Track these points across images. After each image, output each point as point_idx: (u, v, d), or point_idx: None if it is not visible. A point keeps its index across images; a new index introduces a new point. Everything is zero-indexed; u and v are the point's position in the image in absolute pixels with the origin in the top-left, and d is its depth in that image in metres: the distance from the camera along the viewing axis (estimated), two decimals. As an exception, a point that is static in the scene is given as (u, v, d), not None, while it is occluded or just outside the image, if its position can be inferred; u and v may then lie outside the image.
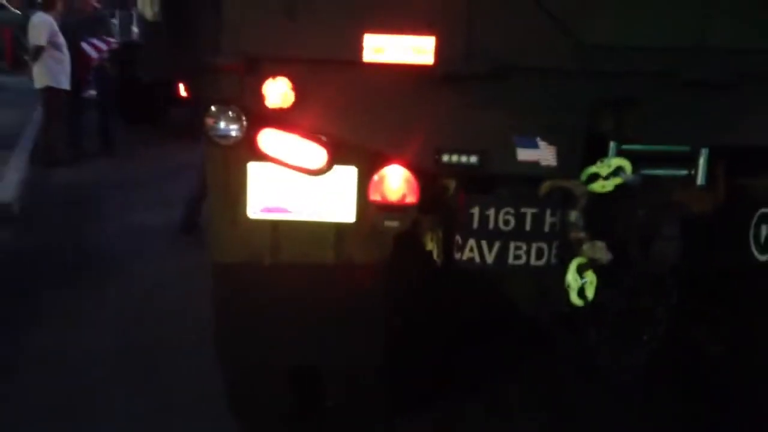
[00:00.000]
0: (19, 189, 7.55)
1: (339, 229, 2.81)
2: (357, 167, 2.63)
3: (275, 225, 2.84)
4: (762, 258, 2.58)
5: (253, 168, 2.73)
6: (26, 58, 10.14)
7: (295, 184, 2.75)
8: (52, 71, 8.69)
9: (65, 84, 8.83)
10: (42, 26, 8.62)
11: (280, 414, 3.52)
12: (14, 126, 10.44)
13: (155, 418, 3.61)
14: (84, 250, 5.98)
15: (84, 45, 9.44)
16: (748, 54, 2.35)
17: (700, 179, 2.60)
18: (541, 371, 3.87)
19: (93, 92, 9.38)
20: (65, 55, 8.80)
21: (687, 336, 3.55)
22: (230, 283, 2.95)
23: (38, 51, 8.64)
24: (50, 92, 8.77)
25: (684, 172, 2.60)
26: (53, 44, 8.64)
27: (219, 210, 2.85)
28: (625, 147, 2.53)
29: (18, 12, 17.69)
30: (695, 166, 2.59)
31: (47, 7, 8.93)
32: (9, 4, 21.98)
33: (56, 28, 8.77)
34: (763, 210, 2.59)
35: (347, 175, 2.67)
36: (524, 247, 2.49)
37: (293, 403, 3.45)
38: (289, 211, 2.82)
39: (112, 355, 4.22)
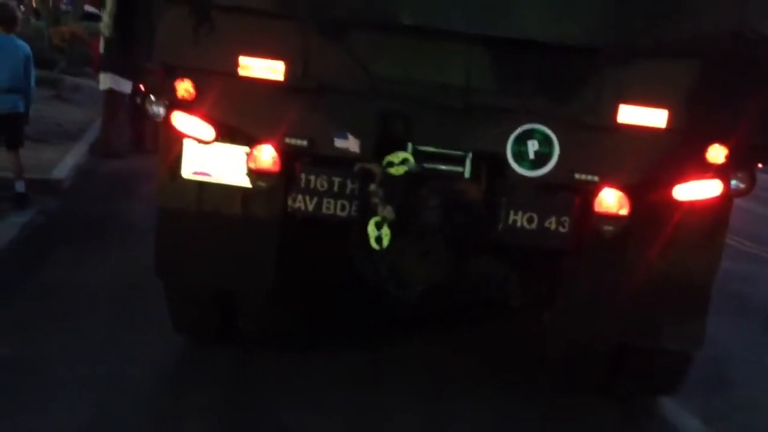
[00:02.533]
0: (72, 171, 9.11)
1: (243, 191, 4.10)
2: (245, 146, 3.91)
3: (201, 184, 4.11)
4: (500, 229, 3.78)
5: (187, 142, 4.06)
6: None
7: (216, 156, 4.06)
8: (114, 77, 10.12)
9: (125, 88, 10.33)
10: (109, 38, 10.26)
11: (207, 330, 4.81)
12: (83, 122, 12.14)
13: (125, 329, 4.97)
14: (109, 219, 7.44)
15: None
16: (478, 91, 3.56)
17: (466, 174, 3.79)
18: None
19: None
20: (128, 64, 10.37)
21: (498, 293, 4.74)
22: (168, 223, 4.24)
23: (104, 58, 10.27)
24: (111, 94, 10.37)
25: (456, 168, 3.80)
26: (120, 54, 10.24)
27: (163, 169, 4.17)
28: (417, 147, 3.77)
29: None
30: (464, 165, 3.81)
31: (117, 22, 10.59)
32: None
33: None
34: (504, 198, 3.76)
35: (243, 152, 3.97)
36: (332, 203, 3.76)
37: (216, 322, 4.73)
38: (210, 175, 4.13)
39: (106, 287, 5.66)
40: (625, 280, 3.96)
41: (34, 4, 19.51)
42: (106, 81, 10.36)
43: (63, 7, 19.46)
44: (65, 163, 9.24)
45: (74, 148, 10.23)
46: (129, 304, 5.33)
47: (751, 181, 3.61)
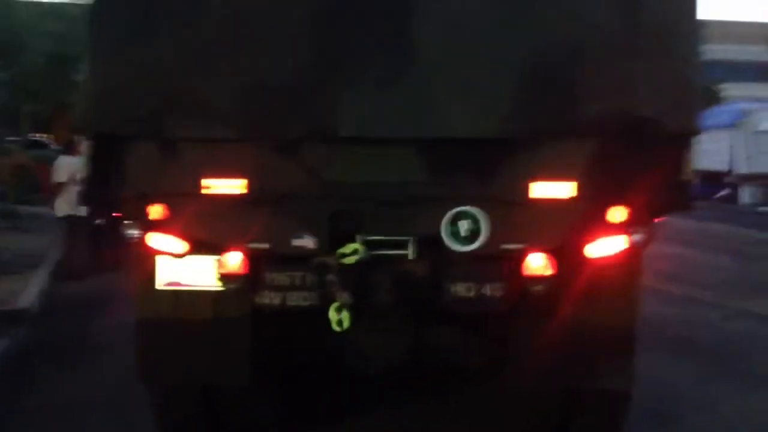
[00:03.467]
0: (37, 297, 9.43)
1: (214, 294, 4.56)
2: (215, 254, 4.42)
3: (175, 293, 4.56)
4: (445, 301, 4.29)
5: (159, 257, 4.54)
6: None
7: (187, 266, 4.52)
8: (71, 203, 10.49)
9: (82, 212, 10.72)
10: (62, 167, 10.73)
11: (190, 428, 5.18)
12: (41, 248, 12.45)
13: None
14: (80, 338, 7.81)
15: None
16: (413, 184, 4.13)
17: (411, 255, 4.29)
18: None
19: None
20: (83, 189, 10.80)
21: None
22: (146, 331, 4.63)
23: (59, 187, 10.73)
24: (69, 220, 10.80)
25: (401, 251, 4.31)
26: (74, 180, 10.31)
27: (138, 284, 4.60)
28: (366, 237, 4.31)
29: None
30: (407, 248, 4.33)
31: (68, 151, 11.11)
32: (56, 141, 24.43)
33: (79, 165, 10.65)
34: (447, 272, 4.29)
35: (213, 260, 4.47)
36: (296, 295, 4.27)
37: (199, 420, 5.10)
38: (183, 284, 4.56)
39: (94, 401, 6.01)
40: (557, 332, 4.47)
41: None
42: (62, 208, 10.80)
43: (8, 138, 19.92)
44: (29, 291, 9.55)
45: (36, 275, 10.54)
46: (118, 413, 5.70)
47: (651, 233, 4.24)
